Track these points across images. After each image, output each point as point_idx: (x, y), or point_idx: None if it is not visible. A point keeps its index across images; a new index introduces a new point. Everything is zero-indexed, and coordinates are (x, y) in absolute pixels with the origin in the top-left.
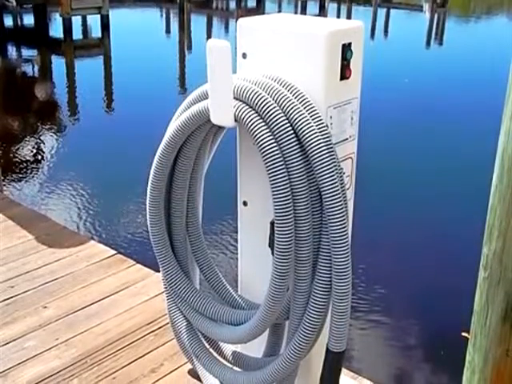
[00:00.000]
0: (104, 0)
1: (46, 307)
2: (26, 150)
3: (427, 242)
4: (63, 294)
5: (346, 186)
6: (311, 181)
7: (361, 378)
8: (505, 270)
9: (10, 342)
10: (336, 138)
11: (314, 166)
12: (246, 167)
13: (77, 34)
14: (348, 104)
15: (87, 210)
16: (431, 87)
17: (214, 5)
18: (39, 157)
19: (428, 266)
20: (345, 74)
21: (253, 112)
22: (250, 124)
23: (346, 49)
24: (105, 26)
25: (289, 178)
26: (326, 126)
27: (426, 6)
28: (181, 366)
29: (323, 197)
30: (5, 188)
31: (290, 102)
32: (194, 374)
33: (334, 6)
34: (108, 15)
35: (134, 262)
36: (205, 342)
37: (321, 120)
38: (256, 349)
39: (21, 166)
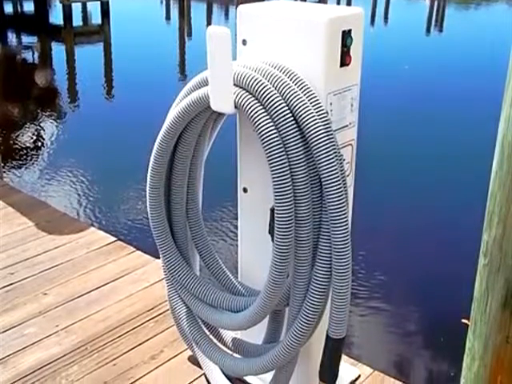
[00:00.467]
0: None
1: (46, 294)
2: (25, 137)
3: (427, 228)
4: (63, 280)
5: (346, 173)
6: (311, 167)
7: (360, 364)
8: (505, 257)
9: (10, 328)
10: (336, 124)
11: (314, 152)
12: (246, 154)
13: (77, 21)
14: (348, 91)
15: (87, 196)
16: (431, 74)
17: None
18: (39, 144)
19: (428, 252)
20: (345, 60)
21: (253, 99)
22: (249, 110)
23: (346, 35)
24: (105, 12)
25: (289, 165)
26: (326, 112)
27: None
28: (181, 352)
29: (323, 183)
30: (5, 175)
31: (290, 89)
32: (193, 360)
33: None
34: (108, 2)
35: (134, 249)
36: (205, 329)
37: (321, 107)
38: (256, 335)
39: (21, 152)
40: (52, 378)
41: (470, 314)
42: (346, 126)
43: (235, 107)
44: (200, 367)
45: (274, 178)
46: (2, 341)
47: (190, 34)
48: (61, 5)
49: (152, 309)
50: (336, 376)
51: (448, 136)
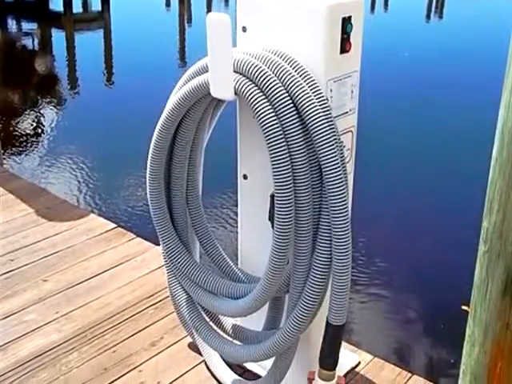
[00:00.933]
0: None
1: (45, 280)
2: (25, 124)
3: (427, 215)
4: (63, 267)
5: (346, 160)
6: (311, 154)
7: (360, 351)
8: (505, 244)
9: (9, 315)
10: (336, 111)
11: (314, 139)
12: (245, 140)
13: (77, 8)
14: (348, 77)
15: (87, 183)
16: (431, 60)
17: None
18: (39, 130)
19: (428, 239)
20: (345, 47)
21: (253, 85)
22: (249, 97)
23: (346, 22)
24: None
25: (289, 152)
26: (326, 99)
27: None
28: (181, 339)
29: (323, 170)
30: (5, 161)
31: (290, 76)
32: (193, 347)
33: None
34: None
35: (134, 236)
36: (205, 316)
37: (321, 93)
38: (256, 322)
39: (21, 139)
40: (52, 365)
41: (470, 300)
42: (346, 112)
43: (235, 94)
44: (200, 354)
45: (273, 164)
46: (1, 327)
47: (189, 21)
48: None
49: (152, 295)
50: (336, 363)
51: (448, 122)
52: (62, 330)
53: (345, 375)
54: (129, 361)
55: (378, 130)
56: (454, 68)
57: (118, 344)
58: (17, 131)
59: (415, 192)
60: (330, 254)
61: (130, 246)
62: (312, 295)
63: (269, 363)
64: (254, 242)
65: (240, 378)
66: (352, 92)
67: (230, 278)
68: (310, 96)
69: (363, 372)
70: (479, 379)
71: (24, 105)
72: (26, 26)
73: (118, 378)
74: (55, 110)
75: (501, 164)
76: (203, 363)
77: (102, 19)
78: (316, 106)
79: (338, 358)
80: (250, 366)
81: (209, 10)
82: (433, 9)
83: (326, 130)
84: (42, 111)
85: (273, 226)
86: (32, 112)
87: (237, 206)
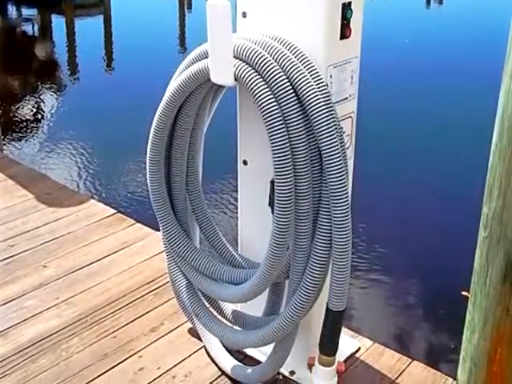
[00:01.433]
0: None
1: (46, 266)
2: (25, 110)
3: (427, 201)
4: (63, 253)
5: (346, 145)
6: (311, 140)
7: (361, 337)
8: (505, 230)
9: (10, 301)
10: (336, 97)
11: (314, 124)
12: (245, 126)
13: None
14: (348, 63)
15: (87, 169)
16: (431, 47)
17: None
18: (39, 116)
19: (428, 225)
20: (345, 33)
21: (253, 71)
22: (249, 83)
23: (346, 8)
24: None
25: (289, 137)
26: (326, 84)
27: None
28: (181, 325)
29: (323, 156)
30: (5, 147)
31: (290, 61)
32: (193, 333)
33: None
34: None
35: (134, 221)
36: (205, 301)
37: (321, 79)
38: (256, 308)
39: (21, 125)
40: (52, 351)
41: (470, 286)
42: (346, 98)
43: (235, 80)
44: (200, 340)
45: (273, 150)
46: (1, 313)
47: (189, 7)
48: None
49: (152, 281)
50: (336, 348)
51: (449, 108)
52: (62, 316)
53: (345, 361)
54: (129, 346)
55: (378, 115)
56: (454, 53)
57: (118, 329)
58: (17, 117)
59: (415, 177)
60: (330, 240)
61: (130, 232)
62: (312, 281)
63: (269, 349)
64: (254, 227)
65: (240, 363)
66: (352, 78)
67: (230, 264)
68: (310, 82)
69: (363, 358)
70: (479, 365)
71: (24, 91)
72: (26, 11)
73: (118, 363)
74: (55, 95)
75: (501, 150)
76: (203, 349)
77: (101, 5)
78: (316, 91)
79: (337, 343)
80: (250, 351)
81: None
82: None
83: (326, 116)
84: (42, 97)
85: (273, 212)
86: (32, 98)
87: (237, 191)
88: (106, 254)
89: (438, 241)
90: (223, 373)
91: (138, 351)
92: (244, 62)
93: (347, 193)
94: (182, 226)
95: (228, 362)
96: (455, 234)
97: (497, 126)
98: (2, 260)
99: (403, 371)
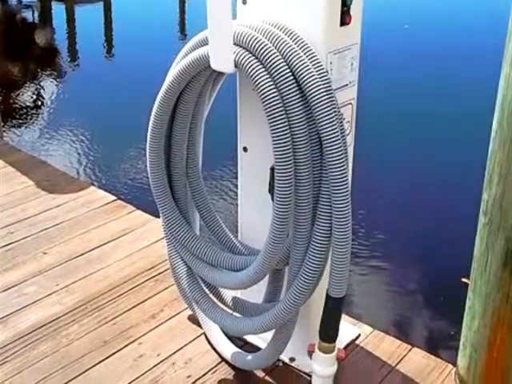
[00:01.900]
0: None
1: (46, 253)
2: (26, 96)
3: (427, 187)
4: (63, 239)
5: (346, 132)
6: (311, 126)
7: (361, 323)
8: (505, 216)
9: (9, 287)
10: (336, 83)
11: (314, 111)
12: (245, 113)
13: None
14: (348, 50)
15: (87, 155)
16: (431, 33)
17: None
18: (39, 103)
19: (428, 211)
20: (345, 20)
21: (253, 58)
22: (249, 70)
23: None
24: None
25: (289, 124)
26: (326, 71)
27: None
28: (181, 311)
29: (323, 142)
30: (5, 134)
31: (290, 48)
32: (193, 319)
33: None
34: None
35: (134, 208)
36: (205, 288)
37: (321, 66)
38: (256, 295)
39: (21, 112)
40: (52, 337)
41: (470, 273)
42: (346, 85)
43: (235, 66)
44: (200, 326)
45: (273, 137)
46: (1, 300)
47: None
48: None
49: (152, 268)
50: (336, 335)
51: (448, 94)
52: (62, 303)
53: (345, 348)
54: (129, 333)
55: (378, 102)
56: (455, 39)
57: (118, 316)
58: (17, 104)
59: (415, 164)
60: (330, 227)
61: (130, 219)
62: (312, 267)
63: (269, 335)
64: (254, 214)
65: (240, 350)
66: (352, 65)
67: (230, 251)
68: (310, 68)
69: (363, 344)
70: (479, 351)
71: (24, 77)
72: None
73: (118, 350)
74: (55, 82)
75: (501, 136)
76: (203, 335)
77: None
78: (316, 78)
79: (337, 330)
80: (250, 338)
81: None
82: None
83: (326, 103)
84: (42, 84)
85: (273, 199)
86: (32, 84)
87: (237, 178)
88: (106, 240)
89: (437, 227)
90: (223, 359)
91: (138, 338)
92: (244, 48)
93: (347, 179)
94: (181, 213)
95: (228, 349)
96: (455, 220)
97: (496, 113)
98: (2, 247)
99: (403, 358)
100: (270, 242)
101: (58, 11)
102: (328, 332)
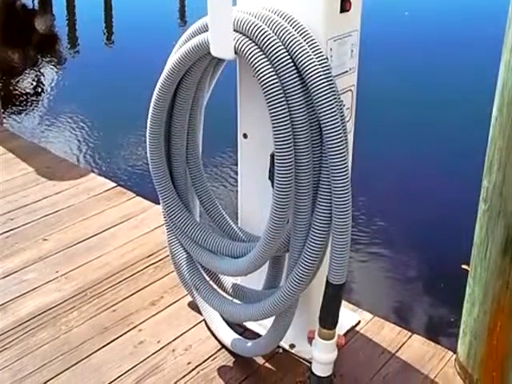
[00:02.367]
0: None
1: (45, 240)
2: (26, 83)
3: (427, 174)
4: (63, 226)
5: (346, 119)
6: (311, 113)
7: (360, 310)
8: (505, 203)
9: (9, 274)
10: (336, 70)
11: (314, 98)
12: (245, 100)
13: None
14: (348, 36)
15: (87, 142)
16: (431, 19)
17: None
18: (39, 89)
19: (428, 198)
20: (345, 6)
21: (253, 44)
22: (249, 56)
23: None
24: None
25: (289, 111)
26: (326, 58)
27: None
28: (181, 298)
29: (323, 129)
30: (5, 121)
31: (290, 35)
32: (193, 306)
33: None
34: None
35: (134, 195)
36: (205, 275)
37: (321, 52)
38: (256, 281)
39: (21, 98)
40: (52, 324)
41: (470, 259)
42: (346, 71)
43: (235, 53)
44: (200, 313)
45: (273, 123)
46: (1, 286)
47: None
48: None
49: (152, 255)
50: (336, 322)
51: (448, 81)
52: (61, 289)
53: (345, 334)
54: (128, 320)
55: (378, 88)
56: (455, 26)
57: (117, 303)
58: (17, 90)
59: (416, 150)
60: (330, 213)
61: (129, 205)
62: (312, 254)
63: (269, 322)
64: (254, 200)
65: (240, 336)
66: (352, 51)
67: (230, 237)
68: (310, 55)
69: (363, 331)
70: (479, 338)
71: (24, 64)
72: None
73: (118, 337)
74: (55, 69)
75: (501, 123)
76: (203, 322)
77: None
78: (316, 65)
79: (337, 317)
80: (249, 324)
81: None
82: None
83: (326, 89)
84: (42, 70)
85: (273, 185)
86: (32, 71)
87: (237, 165)
88: (106, 227)
89: (438, 214)
90: (223, 346)
91: (138, 325)
92: (244, 35)
93: (347, 166)
94: (181, 200)
95: (228, 336)
96: (455, 207)
97: (497, 100)
98: (2, 233)
99: (403, 344)
100: (269, 229)
101: None
102: (328, 319)
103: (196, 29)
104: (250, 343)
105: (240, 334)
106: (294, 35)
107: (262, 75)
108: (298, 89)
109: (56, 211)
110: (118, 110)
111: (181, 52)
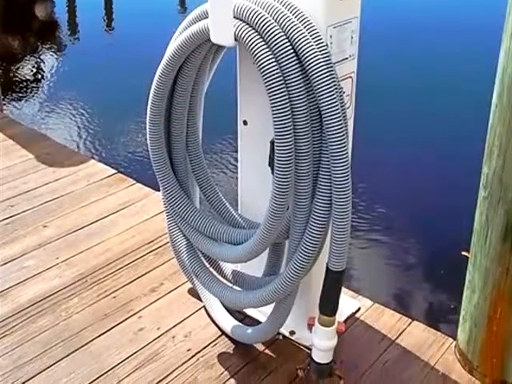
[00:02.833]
0: None
1: (46, 226)
2: (25, 70)
3: (428, 161)
4: (63, 213)
5: (346, 105)
6: (311, 100)
7: (361, 297)
8: (505, 190)
9: (9, 261)
10: (336, 57)
11: (314, 84)
12: (245, 87)
13: None
14: (348, 23)
15: (87, 129)
16: (431, 7)
17: None
18: (39, 76)
19: (428, 185)
20: None
21: (253, 31)
22: (249, 43)
23: None
24: None
25: (289, 97)
26: (326, 45)
27: None
28: (181, 285)
29: (323, 116)
30: (5, 107)
31: (290, 21)
32: (193, 293)
33: None
34: None
35: (134, 181)
36: (205, 261)
37: (321, 39)
38: (256, 268)
39: (21, 85)
40: (52, 311)
41: (470, 246)
42: (346, 58)
43: (235, 40)
44: (200, 300)
45: (273, 110)
46: (1, 273)
47: None
48: None
49: (152, 241)
50: (336, 308)
51: (449, 67)
52: (62, 276)
53: (345, 321)
54: (129, 306)
55: (378, 75)
56: (455, 12)
57: (118, 290)
58: (17, 77)
59: (416, 137)
60: (330, 200)
61: (130, 192)
62: (312, 241)
63: (269, 309)
64: (254, 187)
65: (240, 323)
66: (352, 38)
67: (230, 224)
68: (310, 42)
69: (363, 318)
70: (479, 324)
71: (24, 51)
72: None
73: (118, 323)
74: (55, 55)
75: (500, 110)
76: (203, 309)
77: None
78: (316, 51)
79: (337, 303)
80: (249, 311)
81: None
82: None
83: (326, 76)
84: (42, 57)
85: (273, 172)
86: (32, 58)
87: (237, 151)
88: (106, 214)
89: (438, 201)
90: (223, 333)
91: (138, 311)
92: (244, 22)
93: (347, 153)
94: (182, 187)
95: (228, 322)
96: (455, 193)
97: (496, 86)
98: (2, 220)
99: (403, 331)
100: (269, 216)
101: None
102: (328, 305)
103: (196, 15)
104: (249, 330)
105: (240, 321)
106: (294, 22)
107: (262, 62)
108: (298, 76)
109: (56, 198)
110: (118, 96)
111: (181, 39)
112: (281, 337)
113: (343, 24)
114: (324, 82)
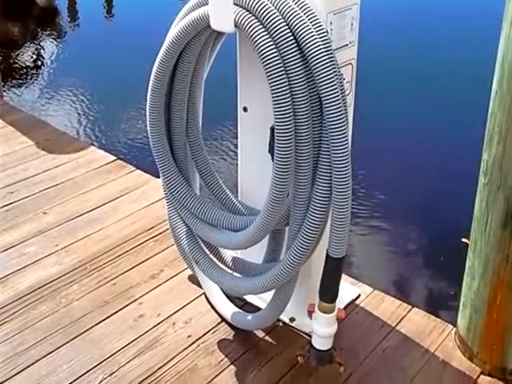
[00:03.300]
0: None
1: (45, 213)
2: (26, 56)
3: (428, 147)
4: (63, 199)
5: (346, 92)
6: (311, 86)
7: (361, 283)
8: (505, 176)
9: (9, 247)
10: (336, 43)
11: (314, 71)
12: (245, 73)
13: None
14: (348, 10)
15: (87, 115)
16: None
17: None
18: (39, 63)
19: (428, 172)
20: None
21: (253, 17)
22: (249, 30)
23: None
24: None
25: (289, 84)
26: (326, 31)
27: None
28: (181, 271)
29: (323, 102)
30: (5, 94)
31: (290, 8)
32: (193, 279)
33: None
34: None
35: (134, 168)
36: (205, 248)
37: (321, 26)
38: (256, 255)
39: (21, 72)
40: (52, 298)
41: (470, 233)
42: (346, 45)
43: (235, 26)
44: (200, 286)
45: (273, 96)
46: (1, 260)
47: None
48: None
49: (152, 228)
50: (336, 295)
51: (449, 54)
52: (62, 263)
53: (345, 308)
54: (129, 293)
55: (379, 62)
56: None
57: (118, 276)
58: (17, 64)
59: (416, 124)
60: (330, 187)
61: (130, 179)
62: (312, 227)
63: (269, 296)
64: (254, 174)
65: (240, 310)
66: (352, 25)
67: (230, 211)
68: (310, 29)
69: (363, 304)
70: (479, 311)
71: (24, 37)
72: None
73: (118, 310)
74: (55, 42)
75: (500, 96)
76: (203, 296)
77: None
78: (316, 38)
79: (337, 290)
80: (249, 298)
81: None
82: None
83: (326, 63)
84: (42, 43)
85: (273, 159)
86: (32, 44)
87: (237, 138)
88: (106, 200)
89: (438, 187)
90: (223, 319)
91: (138, 298)
92: (244, 8)
93: (347, 139)
94: (181, 173)
95: (228, 309)
96: (455, 180)
97: (496, 73)
98: (2, 207)
99: (403, 318)
100: (269, 202)
101: None
102: (328, 292)
103: (196, 2)
104: (250, 316)
105: (240, 308)
106: (293, 8)
107: (262, 49)
108: (298, 62)
109: (56, 184)
110: (118, 83)
111: (181, 25)
112: (281, 323)
113: (343, 11)
114: (324, 68)
